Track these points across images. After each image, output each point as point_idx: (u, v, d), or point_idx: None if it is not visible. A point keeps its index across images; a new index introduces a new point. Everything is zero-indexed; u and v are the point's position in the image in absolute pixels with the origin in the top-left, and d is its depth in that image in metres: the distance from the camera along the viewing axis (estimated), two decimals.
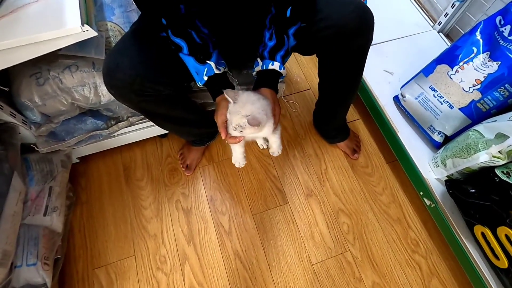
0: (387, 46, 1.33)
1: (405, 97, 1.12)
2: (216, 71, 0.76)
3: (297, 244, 1.10)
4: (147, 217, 1.15)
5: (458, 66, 1.00)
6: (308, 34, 0.80)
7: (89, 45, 0.92)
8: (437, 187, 1.03)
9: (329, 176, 1.23)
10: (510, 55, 0.90)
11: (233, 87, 0.81)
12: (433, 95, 1.04)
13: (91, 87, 0.94)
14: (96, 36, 0.91)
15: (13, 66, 0.90)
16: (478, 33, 0.98)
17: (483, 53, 0.96)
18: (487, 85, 0.95)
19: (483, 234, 0.88)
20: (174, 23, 0.72)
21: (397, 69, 1.27)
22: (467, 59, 0.98)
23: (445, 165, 1.00)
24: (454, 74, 1.01)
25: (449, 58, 1.03)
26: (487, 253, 0.88)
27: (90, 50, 0.92)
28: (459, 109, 1.00)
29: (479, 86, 0.96)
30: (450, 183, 0.96)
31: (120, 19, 0.99)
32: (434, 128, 1.06)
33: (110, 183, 1.21)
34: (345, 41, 0.79)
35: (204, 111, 1.16)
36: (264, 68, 0.77)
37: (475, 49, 0.98)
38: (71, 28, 0.72)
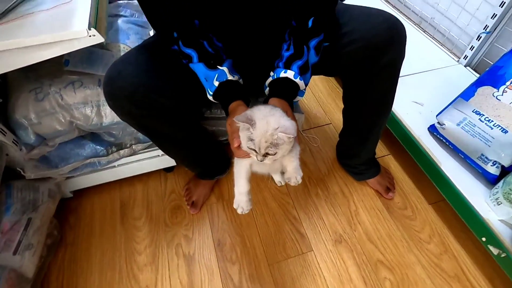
0: (412, 78, 1.24)
1: (443, 124, 0.98)
2: (230, 77, 0.67)
3: None
4: (139, 264, 0.94)
5: (505, 86, 0.88)
6: (333, 50, 0.72)
7: (98, 62, 0.87)
8: (504, 231, 0.82)
9: (360, 219, 1.02)
10: None
11: (248, 100, 0.70)
12: (479, 119, 0.90)
13: (93, 106, 0.86)
14: (106, 53, 0.87)
15: (14, 80, 0.84)
16: None
17: None
18: None
19: None
20: (186, 35, 0.66)
21: (426, 100, 1.15)
22: None
23: (511, 202, 0.81)
24: (502, 95, 0.88)
25: (491, 79, 0.92)
26: None
27: (98, 67, 0.86)
28: None
29: None
30: None
31: (134, 43, 0.96)
32: (486, 158, 0.89)
33: (103, 221, 1.04)
34: (374, 55, 0.70)
35: (215, 140, 1.05)
36: (275, 77, 0.67)
37: None
38: (77, 31, 0.66)
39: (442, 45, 1.41)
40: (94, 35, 0.68)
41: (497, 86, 0.89)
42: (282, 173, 0.84)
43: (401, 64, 0.76)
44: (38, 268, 0.84)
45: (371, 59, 0.71)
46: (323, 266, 0.92)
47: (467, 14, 1.26)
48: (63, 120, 0.85)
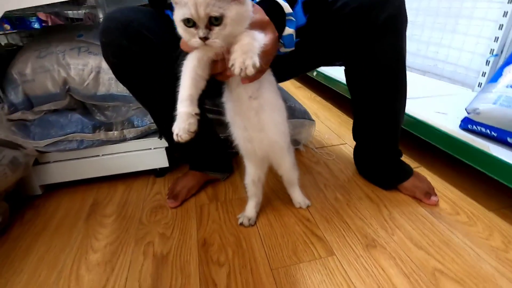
0: (430, 100, 1.18)
1: (477, 109, 0.85)
2: None
3: None
4: (90, 263, 0.67)
5: None
6: (326, 19, 0.66)
7: None
8: None
9: (398, 223, 0.75)
10: None
11: None
12: None
13: (92, 70, 0.84)
14: None
15: (27, 45, 0.86)
16: None
17: None
18: None
19: None
20: None
21: (449, 110, 1.06)
22: None
23: None
24: None
25: (496, 78, 0.85)
26: None
27: None
28: None
29: None
30: None
31: None
32: None
33: (63, 219, 0.82)
34: (370, 15, 0.63)
35: (212, 129, 0.92)
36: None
37: None
38: None
39: (452, 83, 1.41)
40: None
41: None
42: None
43: (403, 26, 0.68)
44: None
45: (367, 19, 0.64)
46: (352, 275, 0.62)
47: (468, 53, 1.32)
48: (57, 78, 0.81)
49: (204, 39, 0.44)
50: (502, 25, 1.16)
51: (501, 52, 1.19)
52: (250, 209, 0.77)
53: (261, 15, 0.51)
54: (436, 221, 0.76)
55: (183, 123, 0.48)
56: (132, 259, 0.68)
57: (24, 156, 0.80)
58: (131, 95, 0.76)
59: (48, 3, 0.72)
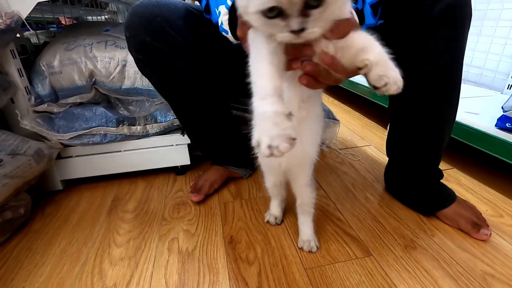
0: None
1: None
2: None
3: None
4: (114, 258, 0.64)
5: None
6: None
7: None
8: None
9: (437, 224, 0.71)
10: None
11: None
12: None
13: (119, 63, 0.83)
14: None
15: (56, 38, 0.87)
16: None
17: None
18: None
19: None
20: None
21: (480, 111, 1.01)
22: None
23: None
24: None
25: None
26: None
27: None
28: None
29: None
30: None
31: None
32: None
33: (84, 213, 0.80)
34: (421, 2, 0.54)
35: (234, 124, 0.87)
36: None
37: None
38: None
39: (478, 86, 1.37)
40: None
41: None
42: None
43: (465, 20, 0.57)
44: None
45: (418, 8, 0.54)
46: (393, 276, 0.57)
47: (495, 55, 1.28)
48: (84, 70, 0.81)
49: (300, 31, 0.31)
50: None
51: None
52: (275, 208, 0.72)
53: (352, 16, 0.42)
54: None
55: (277, 128, 0.33)
56: (157, 254, 0.65)
57: (48, 148, 0.79)
58: (155, 89, 0.75)
59: None
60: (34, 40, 1.05)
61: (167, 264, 0.62)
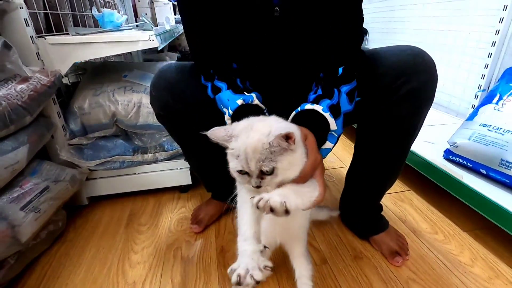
0: (423, 129, 1.32)
1: (455, 143, 1.00)
2: (256, 102, 0.62)
3: None
4: (132, 262, 0.85)
5: (503, 100, 0.96)
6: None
7: (147, 79, 1.10)
8: None
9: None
10: None
11: None
12: (488, 129, 0.93)
13: (135, 105, 1.03)
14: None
15: (84, 84, 1.08)
16: (508, 78, 1.00)
17: None
18: None
19: None
20: (222, 74, 0.67)
21: (438, 140, 1.20)
22: (508, 93, 0.95)
23: None
24: (502, 107, 0.94)
25: (489, 100, 1.00)
26: None
27: (146, 81, 1.09)
28: None
29: None
30: None
31: None
32: (507, 162, 0.86)
33: (107, 225, 1.01)
34: (396, 82, 0.65)
35: None
36: (299, 110, 0.59)
37: None
38: (142, 35, 0.92)
39: (448, 112, 1.55)
40: (153, 40, 0.93)
41: (496, 102, 0.97)
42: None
43: (427, 100, 0.68)
44: (30, 240, 0.80)
45: (392, 86, 0.65)
46: (341, 279, 0.77)
47: (460, 85, 1.46)
48: (108, 112, 1.01)
49: (257, 187, 0.46)
50: (488, 64, 1.30)
51: (488, 87, 1.33)
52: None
53: (313, 154, 0.51)
54: (416, 238, 0.90)
55: (254, 262, 0.44)
56: (165, 260, 0.85)
57: (79, 174, 1.00)
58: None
59: (109, 54, 0.93)
60: (65, 80, 1.25)
61: (173, 268, 0.82)
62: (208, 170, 0.93)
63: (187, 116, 0.74)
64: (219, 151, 0.89)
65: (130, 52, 1.83)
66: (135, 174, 1.11)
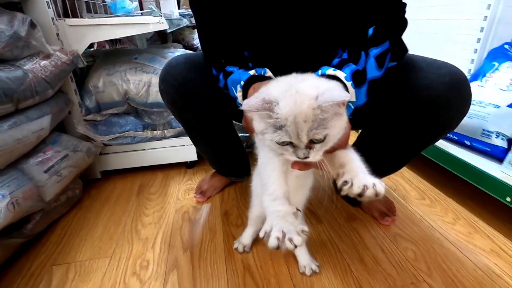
0: None
1: None
2: (270, 73, 0.60)
3: (338, 267, 0.74)
4: (144, 223, 0.93)
5: (485, 77, 1.03)
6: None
7: (156, 61, 1.18)
8: None
9: None
10: None
11: None
12: (472, 104, 1.00)
13: (145, 84, 1.11)
14: (162, 59, 1.20)
15: (97, 65, 1.16)
16: (491, 58, 1.08)
17: (506, 62, 1.01)
18: None
19: None
20: (233, 60, 0.66)
21: None
22: (491, 71, 1.03)
23: None
24: (485, 83, 1.02)
25: (475, 78, 1.08)
26: None
27: (155, 63, 1.17)
28: (507, 106, 0.92)
29: None
30: None
31: None
32: (488, 131, 0.93)
33: (120, 194, 1.09)
34: (425, 112, 0.62)
35: (239, 144, 1.00)
36: (319, 73, 0.53)
37: (496, 64, 1.04)
38: (152, 18, 1.01)
39: None
40: (163, 23, 1.01)
41: (480, 79, 1.04)
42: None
43: (452, 128, 0.67)
44: (52, 201, 0.88)
45: (417, 111, 0.62)
46: (334, 235, 0.85)
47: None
48: (120, 90, 1.09)
49: (304, 158, 0.41)
50: (477, 49, 1.37)
51: None
52: (247, 237, 0.79)
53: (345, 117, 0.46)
54: (406, 204, 0.98)
55: (290, 225, 0.40)
56: (174, 222, 0.93)
57: (94, 147, 1.08)
58: None
59: (122, 35, 1.01)
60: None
61: (181, 228, 0.90)
62: (214, 151, 0.97)
63: (192, 112, 0.77)
64: (224, 136, 0.92)
65: (136, 44, 1.91)
66: (144, 150, 1.19)
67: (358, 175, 0.42)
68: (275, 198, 0.43)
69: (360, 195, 0.40)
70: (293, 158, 0.42)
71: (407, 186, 1.08)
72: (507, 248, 0.78)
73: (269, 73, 0.60)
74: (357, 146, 0.77)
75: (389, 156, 0.76)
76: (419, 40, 1.71)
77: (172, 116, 1.19)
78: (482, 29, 1.34)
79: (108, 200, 1.05)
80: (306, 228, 0.41)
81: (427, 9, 1.68)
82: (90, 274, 0.74)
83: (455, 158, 0.96)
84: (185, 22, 1.96)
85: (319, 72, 0.53)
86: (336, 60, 0.56)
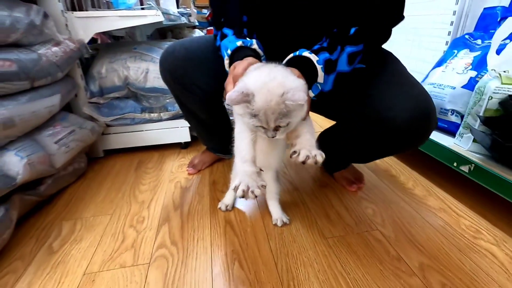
0: None
1: None
2: (255, 47, 0.67)
3: (306, 220, 0.86)
4: (141, 190, 1.06)
5: (446, 63, 1.15)
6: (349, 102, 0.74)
7: (154, 51, 1.32)
8: (468, 153, 0.90)
9: None
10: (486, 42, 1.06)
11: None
12: (433, 87, 1.13)
13: (143, 71, 1.25)
14: (159, 50, 1.33)
15: (100, 54, 1.29)
16: (452, 46, 1.20)
17: (463, 49, 1.13)
18: (478, 64, 1.05)
19: None
20: (232, 23, 0.72)
21: None
22: (451, 57, 1.15)
23: (467, 128, 0.92)
24: (445, 68, 1.14)
25: (438, 65, 1.20)
26: None
27: (153, 53, 1.30)
28: (462, 87, 1.04)
29: (470, 66, 1.06)
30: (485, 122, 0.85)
31: None
32: (445, 109, 1.05)
33: (120, 169, 1.22)
34: (387, 137, 0.70)
35: (230, 125, 1.04)
36: (296, 54, 0.62)
37: (455, 51, 1.16)
38: (149, 11, 1.14)
39: None
40: (159, 15, 1.14)
41: (441, 65, 1.16)
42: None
43: (407, 147, 0.75)
44: (61, 169, 1.01)
45: (383, 138, 0.71)
46: (306, 198, 0.97)
47: None
48: (121, 76, 1.22)
49: (272, 137, 0.54)
50: (448, 41, 1.50)
51: None
52: (230, 198, 0.91)
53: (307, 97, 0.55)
54: (374, 176, 1.10)
55: (253, 181, 0.53)
56: (167, 189, 1.05)
57: (98, 126, 1.21)
58: (167, 88, 1.15)
59: (123, 26, 1.14)
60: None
61: (173, 194, 1.02)
62: (205, 129, 1.10)
63: (186, 95, 0.88)
64: (216, 116, 1.05)
65: (133, 33, 2.04)
66: (142, 131, 1.32)
67: (305, 147, 0.54)
68: (245, 161, 0.56)
69: (303, 162, 0.53)
70: (264, 136, 0.55)
71: (378, 162, 1.20)
72: (454, 207, 0.90)
73: (255, 45, 0.67)
74: (327, 135, 0.94)
75: (352, 155, 0.91)
76: (399, 34, 1.84)
77: (168, 101, 1.32)
78: (452, 23, 1.47)
79: (110, 174, 1.18)
80: (265, 183, 0.55)
81: (408, 6, 1.81)
82: (94, 226, 0.87)
83: None
84: (183, 20, 2.10)
85: (297, 52, 0.63)
86: (316, 46, 0.64)
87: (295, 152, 0.54)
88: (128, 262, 0.73)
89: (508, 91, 0.81)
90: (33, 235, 0.84)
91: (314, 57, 0.61)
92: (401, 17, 0.69)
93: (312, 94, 0.63)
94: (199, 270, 0.70)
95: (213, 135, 1.12)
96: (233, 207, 0.93)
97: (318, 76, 0.61)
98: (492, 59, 0.84)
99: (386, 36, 0.70)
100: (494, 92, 0.83)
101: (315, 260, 0.71)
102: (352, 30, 0.63)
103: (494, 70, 0.82)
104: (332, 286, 0.64)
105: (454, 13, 1.44)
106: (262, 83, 0.50)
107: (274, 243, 0.77)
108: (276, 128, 0.52)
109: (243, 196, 0.53)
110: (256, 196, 0.53)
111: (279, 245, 0.76)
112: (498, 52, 0.89)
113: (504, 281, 0.64)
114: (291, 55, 0.64)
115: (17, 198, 0.82)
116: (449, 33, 1.49)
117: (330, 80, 0.64)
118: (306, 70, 0.60)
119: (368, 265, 0.69)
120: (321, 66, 0.61)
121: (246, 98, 0.49)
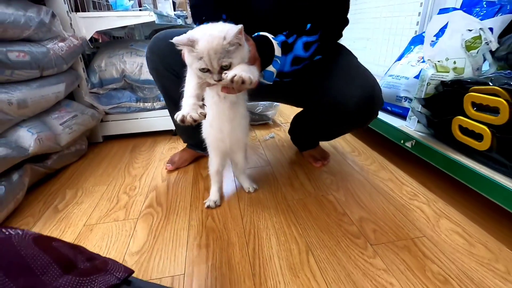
0: None
1: None
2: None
3: (273, 187, 1.01)
4: (135, 167, 1.21)
5: (404, 57, 1.31)
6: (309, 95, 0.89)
7: None
8: (412, 132, 1.05)
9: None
10: None
11: None
12: (392, 78, 1.28)
13: (138, 65, 1.41)
14: None
15: (101, 50, 1.45)
16: (411, 43, 1.36)
17: (418, 45, 1.29)
18: None
19: (460, 127, 0.84)
20: (211, 19, 0.72)
21: None
22: (408, 52, 1.31)
23: (412, 111, 1.07)
24: (403, 61, 1.29)
25: (398, 59, 1.35)
26: (470, 144, 0.80)
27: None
28: (414, 77, 1.19)
29: (422, 60, 1.21)
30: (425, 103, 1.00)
31: None
32: (399, 97, 1.21)
33: (117, 151, 1.37)
34: (339, 118, 0.85)
35: None
36: (255, 35, 0.72)
37: (412, 47, 1.32)
38: (144, 12, 1.30)
39: None
40: (152, 16, 1.31)
41: (400, 59, 1.32)
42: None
43: (358, 122, 0.88)
44: (65, 147, 1.17)
45: (338, 119, 0.86)
46: (276, 172, 1.12)
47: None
48: (119, 69, 1.38)
49: (218, 81, 0.59)
50: None
51: None
52: (215, 194, 0.92)
53: (253, 51, 0.65)
54: (339, 156, 1.25)
55: (193, 110, 0.61)
56: (157, 166, 1.21)
57: (98, 113, 1.36)
58: None
59: (120, 25, 1.31)
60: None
61: (162, 170, 1.18)
62: (186, 126, 1.22)
63: (171, 80, 0.91)
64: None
65: (132, 34, 2.20)
66: (137, 119, 1.47)
67: (235, 70, 0.58)
68: (189, 96, 0.64)
69: (232, 81, 0.58)
70: (212, 81, 0.62)
71: (344, 144, 1.35)
72: (401, 178, 1.05)
73: None
74: (297, 119, 1.11)
75: (317, 134, 1.08)
76: (372, 35, 2.00)
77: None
78: (417, 23, 1.62)
79: (108, 155, 1.34)
80: (205, 112, 0.62)
81: (374, 9, 1.98)
82: (93, 193, 1.02)
83: (379, 120, 1.23)
84: (179, 22, 2.26)
85: (255, 34, 0.73)
86: (278, 36, 0.75)
87: (225, 73, 0.58)
88: (120, 217, 0.88)
89: (441, 77, 0.96)
90: (41, 199, 1.00)
91: (270, 35, 0.71)
92: (346, 21, 0.85)
93: (274, 69, 0.72)
94: (178, 222, 0.85)
95: (194, 131, 1.25)
96: (221, 202, 0.94)
97: (275, 49, 0.69)
98: (427, 50, 0.98)
99: (337, 34, 0.84)
100: (431, 79, 0.98)
101: (274, 215, 0.86)
102: (308, 26, 0.76)
103: (430, 60, 0.97)
104: (285, 231, 0.79)
105: (419, 14, 1.60)
106: (205, 31, 0.57)
107: (243, 204, 0.92)
108: (221, 71, 0.57)
109: (183, 121, 0.59)
110: (195, 121, 0.59)
111: (247, 205, 0.92)
112: (433, 45, 1.04)
113: (426, 229, 0.79)
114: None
115: (28, 167, 0.98)
116: (415, 32, 1.65)
117: (288, 61, 0.74)
118: (263, 44, 0.69)
119: (318, 218, 0.84)
120: (278, 42, 0.71)
121: (191, 43, 0.55)
